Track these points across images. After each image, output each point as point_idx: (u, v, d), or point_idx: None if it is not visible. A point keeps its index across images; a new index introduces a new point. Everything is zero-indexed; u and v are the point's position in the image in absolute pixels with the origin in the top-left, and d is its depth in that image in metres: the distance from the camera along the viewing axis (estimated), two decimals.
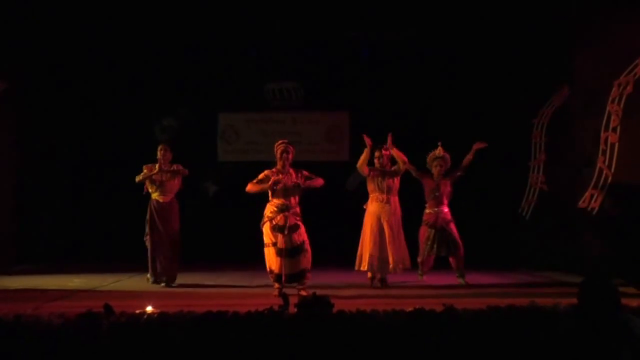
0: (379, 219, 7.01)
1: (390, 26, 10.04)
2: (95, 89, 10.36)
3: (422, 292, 6.62)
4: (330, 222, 9.66)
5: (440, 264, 8.15)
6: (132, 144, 9.74)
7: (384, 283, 6.97)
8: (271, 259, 6.22)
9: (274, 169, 6.38)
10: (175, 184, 7.30)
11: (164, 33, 10.05)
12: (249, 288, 6.96)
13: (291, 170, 6.35)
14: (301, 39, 10.27)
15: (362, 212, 7.30)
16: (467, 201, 9.80)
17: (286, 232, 6.12)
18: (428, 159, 7.49)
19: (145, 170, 7.28)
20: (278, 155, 6.36)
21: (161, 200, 7.20)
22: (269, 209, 6.29)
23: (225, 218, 10.21)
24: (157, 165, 7.20)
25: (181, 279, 7.40)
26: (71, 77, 10.19)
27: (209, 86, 10.53)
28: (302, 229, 6.30)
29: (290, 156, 6.35)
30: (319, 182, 6.46)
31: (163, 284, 7.09)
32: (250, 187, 6.30)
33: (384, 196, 7.06)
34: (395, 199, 7.14)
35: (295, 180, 6.30)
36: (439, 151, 7.45)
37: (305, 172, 6.43)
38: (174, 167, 7.32)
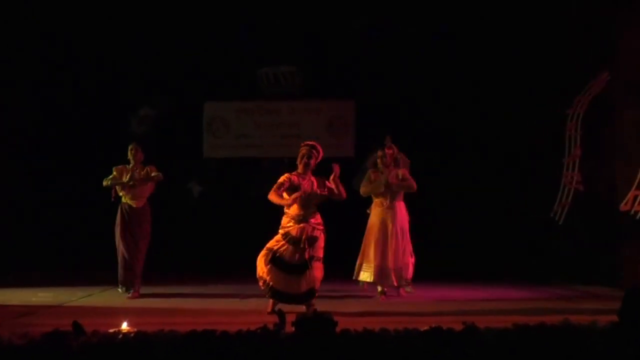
0: (383, 225, 7.20)
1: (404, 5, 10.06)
2: (58, 78, 10.33)
3: (439, 307, 6.65)
4: (334, 228, 9.67)
5: (460, 275, 8.18)
6: (102, 142, 9.80)
7: (384, 294, 7.24)
8: (261, 263, 6.16)
9: (294, 173, 6.33)
10: (148, 188, 7.56)
11: (138, 7, 9.97)
12: (239, 303, 6.96)
13: (312, 178, 6.31)
14: (299, 16, 10.26)
15: (366, 217, 7.45)
16: (492, 204, 9.87)
17: (302, 246, 6.07)
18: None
19: (114, 173, 7.50)
20: (299, 159, 6.33)
21: (134, 205, 7.47)
22: (285, 221, 6.26)
23: (212, 223, 10.26)
24: (128, 173, 7.44)
25: (160, 292, 7.39)
26: (32, 68, 10.13)
27: (193, 71, 10.54)
28: (322, 241, 6.24)
29: (312, 162, 6.29)
30: (342, 195, 6.35)
31: (122, 289, 7.42)
32: (270, 197, 6.18)
33: (388, 201, 7.23)
34: (400, 204, 7.34)
35: (316, 188, 6.23)
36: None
37: (329, 183, 6.31)
38: (147, 169, 7.53)
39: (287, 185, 6.18)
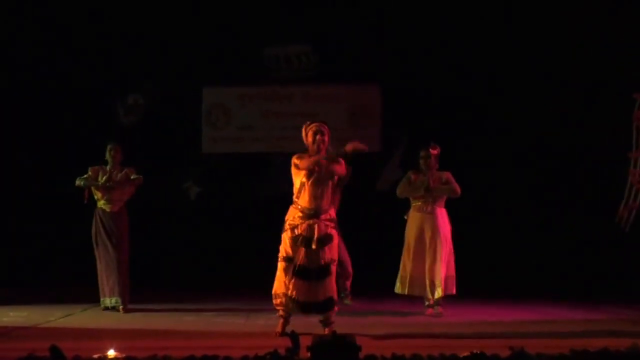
0: (420, 233, 7.49)
1: None
2: (22, 57, 10.33)
3: (482, 328, 6.64)
4: (357, 235, 9.67)
5: (506, 292, 8.16)
6: (82, 137, 9.86)
7: (434, 309, 7.44)
8: (282, 279, 6.19)
9: (305, 155, 6.29)
10: (126, 191, 7.87)
11: None
12: (244, 322, 6.99)
13: (327, 161, 6.24)
14: None
15: (403, 223, 7.65)
16: (543, 208, 9.82)
17: (314, 247, 6.08)
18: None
19: (89, 173, 7.77)
20: (310, 139, 6.25)
21: (108, 210, 7.78)
22: (292, 214, 6.25)
23: (212, 229, 10.30)
24: (105, 175, 7.70)
25: (153, 309, 7.48)
26: None
27: (189, 51, 10.54)
28: (336, 240, 6.29)
29: (326, 138, 6.26)
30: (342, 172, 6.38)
31: (115, 307, 7.63)
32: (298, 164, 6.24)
33: (429, 205, 7.51)
34: (442, 211, 7.60)
35: (330, 173, 6.21)
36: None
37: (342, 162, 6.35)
38: (126, 171, 7.81)
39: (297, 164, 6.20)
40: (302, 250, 6.09)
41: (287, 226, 6.22)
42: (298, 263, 6.09)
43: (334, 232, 6.22)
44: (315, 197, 6.14)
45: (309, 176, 6.16)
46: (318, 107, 10.74)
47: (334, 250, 6.23)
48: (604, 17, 9.48)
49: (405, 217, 7.73)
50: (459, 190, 7.51)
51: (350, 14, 10.49)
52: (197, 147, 10.79)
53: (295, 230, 6.14)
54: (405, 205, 7.82)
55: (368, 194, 10.10)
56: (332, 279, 6.20)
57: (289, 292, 6.11)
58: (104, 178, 7.72)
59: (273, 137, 10.76)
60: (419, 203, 7.59)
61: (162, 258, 10.14)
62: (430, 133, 9.05)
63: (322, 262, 6.11)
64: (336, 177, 6.29)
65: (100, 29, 10.36)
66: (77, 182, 7.73)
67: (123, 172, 7.80)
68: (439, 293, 7.39)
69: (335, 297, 6.27)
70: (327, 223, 6.18)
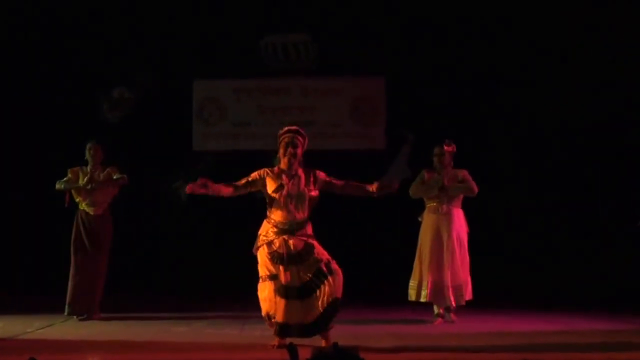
0: (437, 235, 7.61)
1: None
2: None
3: (496, 340, 6.58)
4: (363, 240, 9.75)
5: (521, 301, 8.16)
6: (63, 135, 9.86)
7: (445, 317, 7.59)
8: (269, 300, 6.12)
9: (275, 168, 6.33)
10: (109, 193, 7.97)
11: None
12: (239, 333, 6.98)
13: (300, 172, 6.28)
14: None
15: (412, 226, 7.78)
16: (564, 210, 9.89)
17: (287, 265, 6.02)
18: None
19: (69, 175, 7.87)
20: (281, 150, 6.31)
21: (91, 213, 7.88)
22: (265, 229, 6.25)
23: (204, 233, 10.35)
24: (85, 176, 7.79)
25: (139, 317, 7.58)
26: None
27: (180, 40, 10.54)
28: (317, 247, 6.17)
29: (299, 151, 6.26)
30: (349, 183, 6.38)
31: (82, 317, 7.72)
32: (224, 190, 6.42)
33: (444, 206, 7.62)
34: (458, 211, 7.73)
35: (303, 187, 6.22)
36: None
37: (321, 175, 6.33)
38: (108, 171, 7.91)
39: (252, 181, 6.27)
40: (282, 268, 6.03)
41: (260, 241, 6.19)
42: (283, 283, 6.01)
43: (311, 241, 6.14)
44: (289, 212, 6.14)
45: (277, 190, 6.18)
46: (318, 101, 10.86)
47: (320, 255, 6.10)
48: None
49: (420, 219, 7.81)
50: (476, 188, 7.61)
51: (352, 1, 10.49)
52: (187, 144, 10.80)
53: (271, 246, 6.10)
54: (417, 206, 7.88)
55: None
56: (336, 281, 6.05)
57: (282, 318, 6.01)
58: (85, 179, 7.79)
59: (270, 134, 10.62)
60: (434, 204, 7.68)
61: (149, 263, 10.21)
62: (440, 129, 9.09)
63: (308, 277, 6.02)
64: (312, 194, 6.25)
65: (81, 15, 10.37)
66: (57, 186, 7.82)
67: (105, 172, 7.89)
68: (462, 299, 7.53)
69: (339, 295, 6.11)
70: (303, 238, 6.12)
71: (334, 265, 6.10)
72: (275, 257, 6.04)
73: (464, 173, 7.69)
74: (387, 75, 10.70)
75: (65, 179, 7.85)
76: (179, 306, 8.70)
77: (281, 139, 6.31)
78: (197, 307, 8.63)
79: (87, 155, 7.89)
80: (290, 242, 6.05)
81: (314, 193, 6.21)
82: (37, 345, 6.34)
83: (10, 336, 6.78)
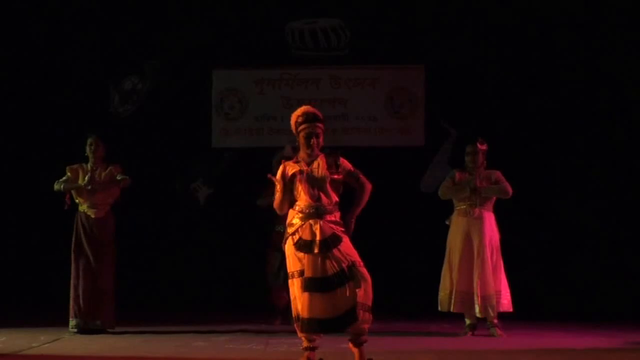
0: (467, 240, 7.66)
1: None
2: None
3: (546, 357, 6.60)
4: (394, 244, 9.70)
5: (570, 315, 7.93)
6: (65, 134, 9.83)
7: (490, 330, 7.61)
8: (296, 297, 6.12)
9: (295, 157, 6.33)
10: (112, 193, 7.89)
11: None
12: (263, 350, 6.93)
13: (321, 157, 6.26)
14: None
15: (444, 230, 7.82)
16: (616, 212, 9.84)
17: (316, 251, 5.96)
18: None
19: (68, 174, 7.83)
20: (302, 141, 6.27)
21: (92, 216, 7.85)
22: (291, 216, 6.22)
23: (224, 237, 10.27)
24: (86, 174, 7.77)
25: (155, 331, 7.67)
26: None
27: (197, 27, 10.51)
28: (347, 242, 6.13)
29: (321, 139, 6.26)
30: (366, 188, 6.31)
31: (95, 327, 7.70)
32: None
33: (475, 209, 7.65)
34: (490, 215, 7.74)
35: (325, 170, 6.17)
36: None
37: (344, 162, 6.28)
38: (111, 169, 7.85)
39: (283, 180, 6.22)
40: (308, 258, 6.00)
41: (287, 233, 6.19)
42: (306, 275, 5.99)
43: (341, 234, 6.11)
44: (313, 196, 6.12)
45: (296, 175, 6.17)
46: (350, 92, 10.76)
47: (348, 253, 6.06)
48: None
49: (447, 223, 7.83)
50: (510, 190, 7.60)
51: None
52: (206, 140, 10.76)
53: (295, 235, 6.09)
54: (445, 209, 7.89)
55: (410, 196, 10.09)
56: (355, 286, 5.98)
57: (307, 313, 5.98)
58: (85, 178, 7.73)
59: None
60: (464, 206, 7.69)
61: (165, 272, 10.18)
62: (483, 124, 9.05)
63: (334, 269, 5.96)
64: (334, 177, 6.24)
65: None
66: (56, 187, 7.79)
67: (107, 171, 7.81)
68: (492, 310, 7.51)
69: (368, 304, 6.06)
70: (331, 225, 6.09)
71: (362, 270, 6.01)
72: (301, 245, 6.01)
73: (497, 174, 7.71)
74: (426, 64, 10.60)
75: (64, 178, 7.78)
76: (199, 320, 8.72)
77: (299, 129, 6.27)
78: (219, 321, 8.62)
79: (88, 151, 7.83)
80: (316, 226, 6.01)
81: (337, 176, 6.17)
82: None
83: (13, 351, 6.72)
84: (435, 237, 8.51)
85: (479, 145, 7.65)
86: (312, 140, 6.18)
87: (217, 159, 10.71)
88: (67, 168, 7.84)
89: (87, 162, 7.83)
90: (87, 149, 7.81)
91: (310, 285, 5.93)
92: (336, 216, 6.15)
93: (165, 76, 10.49)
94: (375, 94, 10.72)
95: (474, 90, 10.28)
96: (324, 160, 6.21)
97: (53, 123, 10.20)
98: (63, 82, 10.29)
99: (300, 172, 6.17)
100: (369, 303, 5.97)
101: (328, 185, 6.15)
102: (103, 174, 7.79)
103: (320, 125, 6.25)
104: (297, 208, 6.17)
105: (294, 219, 6.15)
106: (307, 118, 6.24)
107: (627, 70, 10.03)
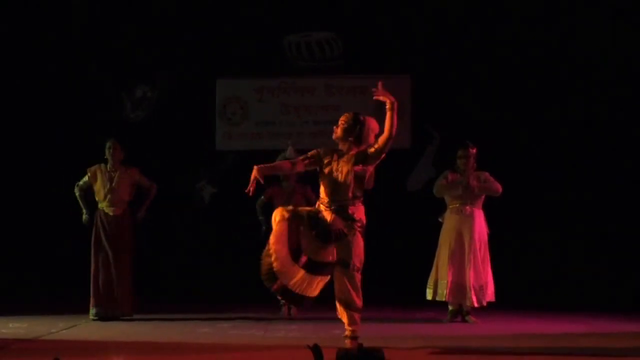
0: (459, 236, 7.76)
1: None
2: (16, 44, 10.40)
3: (523, 342, 6.54)
4: (386, 239, 9.71)
5: (549, 302, 8.11)
6: (81, 139, 9.94)
7: (464, 318, 7.73)
8: (297, 270, 6.04)
9: (332, 147, 6.38)
10: (128, 191, 8.06)
11: None
12: (262, 335, 7.01)
13: (352, 152, 6.28)
14: None
15: (436, 227, 7.88)
16: (599, 206, 9.90)
17: (326, 242, 6.01)
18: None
19: (88, 175, 8.01)
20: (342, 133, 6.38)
21: (110, 214, 7.99)
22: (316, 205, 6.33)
23: (228, 234, 10.34)
24: (104, 173, 7.93)
25: (164, 318, 7.68)
26: None
27: (203, 39, 10.58)
28: (359, 245, 6.11)
29: (352, 137, 6.36)
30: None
31: (123, 317, 7.83)
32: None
33: (467, 207, 7.77)
34: (480, 212, 7.86)
35: (350, 167, 6.16)
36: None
37: (370, 168, 6.27)
38: (129, 172, 8.02)
39: (310, 157, 6.28)
40: (314, 240, 6.02)
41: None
42: (311, 255, 5.99)
43: (356, 235, 6.07)
44: (333, 192, 6.13)
45: (324, 167, 6.23)
46: (342, 100, 10.73)
47: (357, 252, 6.06)
48: None
49: (440, 220, 7.95)
50: (500, 188, 7.72)
51: None
52: (210, 144, 10.81)
53: (319, 222, 6.07)
54: (439, 207, 7.97)
55: (398, 195, 10.13)
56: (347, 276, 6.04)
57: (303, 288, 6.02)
58: (107, 187, 7.88)
59: (294, 133, 10.74)
60: (457, 205, 7.81)
61: (173, 264, 10.24)
62: (465, 129, 9.08)
63: (325, 260, 6.02)
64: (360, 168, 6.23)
65: (104, 13, 10.45)
66: (77, 193, 8.05)
67: (126, 172, 7.98)
68: (483, 299, 7.63)
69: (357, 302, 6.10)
70: (347, 222, 6.06)
71: (357, 277, 6.04)
72: (319, 228, 6.04)
73: (486, 174, 7.81)
74: (412, 74, 10.63)
75: (84, 179, 7.99)
76: (204, 308, 8.75)
77: (344, 123, 6.49)
78: (222, 309, 8.66)
79: (107, 154, 7.96)
80: (329, 218, 6.05)
81: (358, 168, 6.18)
82: (61, 346, 6.37)
83: (34, 337, 6.81)
84: (421, 232, 8.64)
85: (470, 149, 7.77)
86: (355, 131, 6.40)
87: (220, 160, 10.77)
88: (87, 170, 8.01)
89: (106, 164, 7.99)
90: (107, 151, 7.96)
91: (307, 265, 6.01)
92: (356, 212, 6.10)
93: (173, 85, 10.50)
94: (365, 100, 10.24)
95: (455, 98, 10.30)
96: (354, 156, 6.20)
97: (72, 127, 10.30)
98: (80, 90, 10.36)
99: (329, 164, 6.20)
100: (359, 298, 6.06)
101: (350, 183, 6.11)
102: (116, 176, 7.94)
103: (360, 120, 6.57)
104: (320, 200, 6.23)
105: (319, 207, 6.19)
106: (350, 114, 6.55)
107: (607, 66, 10.00)
